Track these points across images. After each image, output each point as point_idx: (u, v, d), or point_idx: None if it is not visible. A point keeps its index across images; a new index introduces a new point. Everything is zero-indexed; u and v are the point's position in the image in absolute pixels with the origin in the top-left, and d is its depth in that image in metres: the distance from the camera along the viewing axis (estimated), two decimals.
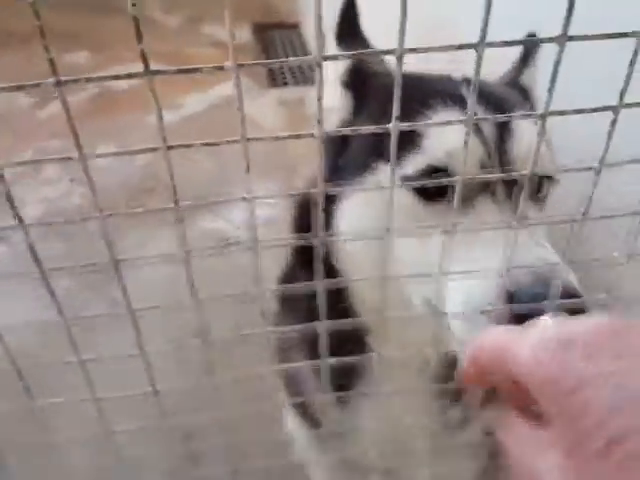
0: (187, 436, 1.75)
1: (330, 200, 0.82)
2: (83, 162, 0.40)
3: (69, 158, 0.40)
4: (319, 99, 0.40)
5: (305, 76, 3.98)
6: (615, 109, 0.44)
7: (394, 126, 0.42)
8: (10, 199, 0.40)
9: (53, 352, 2.07)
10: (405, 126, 0.42)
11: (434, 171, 0.75)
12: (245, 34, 4.52)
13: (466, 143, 0.44)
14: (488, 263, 0.62)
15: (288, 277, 0.99)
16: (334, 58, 0.39)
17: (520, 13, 1.23)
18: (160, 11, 4.80)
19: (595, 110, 0.44)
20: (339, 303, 0.85)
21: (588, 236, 1.30)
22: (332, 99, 0.89)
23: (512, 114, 0.47)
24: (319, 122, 0.41)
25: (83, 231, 2.55)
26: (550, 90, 0.42)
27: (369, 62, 0.87)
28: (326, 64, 0.99)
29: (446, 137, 0.74)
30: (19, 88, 0.37)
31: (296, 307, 0.94)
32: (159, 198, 2.73)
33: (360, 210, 0.80)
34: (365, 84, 0.88)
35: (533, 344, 0.44)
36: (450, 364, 0.75)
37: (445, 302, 0.67)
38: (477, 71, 0.40)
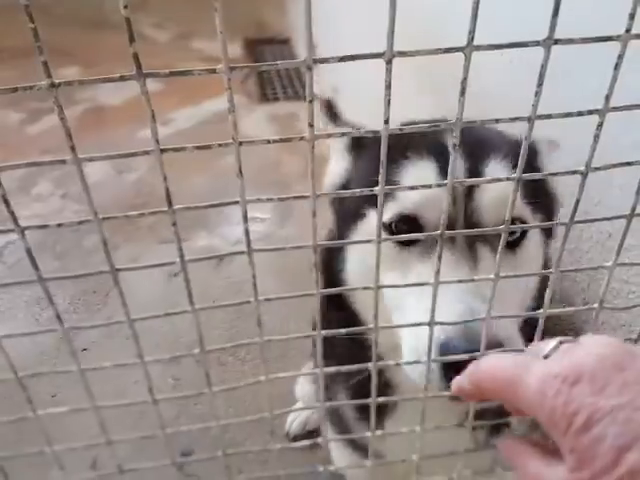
0: (184, 455, 1.74)
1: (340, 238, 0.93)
2: (78, 165, 0.40)
3: (63, 161, 0.40)
4: (310, 101, 0.40)
5: (296, 91, 3.99)
6: (601, 112, 0.44)
7: (384, 129, 0.42)
8: (7, 202, 0.40)
9: (49, 367, 2.03)
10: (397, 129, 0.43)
11: (406, 218, 0.81)
12: (236, 49, 4.54)
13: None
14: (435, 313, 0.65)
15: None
16: (324, 61, 0.39)
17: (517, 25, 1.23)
18: (151, 27, 4.83)
19: (581, 114, 0.44)
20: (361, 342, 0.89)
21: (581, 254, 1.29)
22: (337, 164, 1.01)
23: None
24: (310, 125, 0.41)
25: (76, 249, 2.55)
26: (537, 93, 0.43)
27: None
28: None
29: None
30: (14, 90, 0.37)
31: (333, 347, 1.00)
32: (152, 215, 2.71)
33: (357, 252, 0.89)
34: (360, 145, 0.98)
35: (540, 378, 0.44)
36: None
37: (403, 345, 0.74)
38: (465, 75, 0.41)
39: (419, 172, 0.81)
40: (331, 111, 1.01)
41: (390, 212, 0.81)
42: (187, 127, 3.59)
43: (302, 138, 0.41)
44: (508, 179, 0.52)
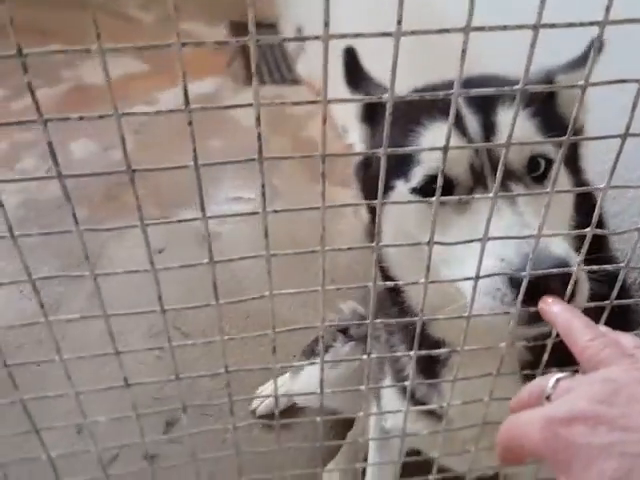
0: (169, 423, 1.79)
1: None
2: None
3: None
4: None
5: (283, 76, 4.02)
6: (601, 24, 0.48)
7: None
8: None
9: (33, 338, 2.05)
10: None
11: (434, 179, 0.81)
12: (222, 32, 4.55)
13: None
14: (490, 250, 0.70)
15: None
16: None
17: None
18: (136, 8, 4.82)
19: (583, 24, 0.48)
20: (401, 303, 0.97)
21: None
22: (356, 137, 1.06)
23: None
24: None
25: (60, 224, 2.54)
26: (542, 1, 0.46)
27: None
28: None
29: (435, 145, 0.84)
30: None
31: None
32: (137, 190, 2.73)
33: (392, 223, 0.93)
34: (376, 114, 1.01)
35: (542, 427, 0.50)
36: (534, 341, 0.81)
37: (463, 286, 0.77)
38: None
39: (436, 133, 0.85)
40: (352, 70, 1.04)
41: (418, 177, 0.86)
42: (173, 107, 3.61)
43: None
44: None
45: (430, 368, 0.99)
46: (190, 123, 0.49)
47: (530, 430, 0.51)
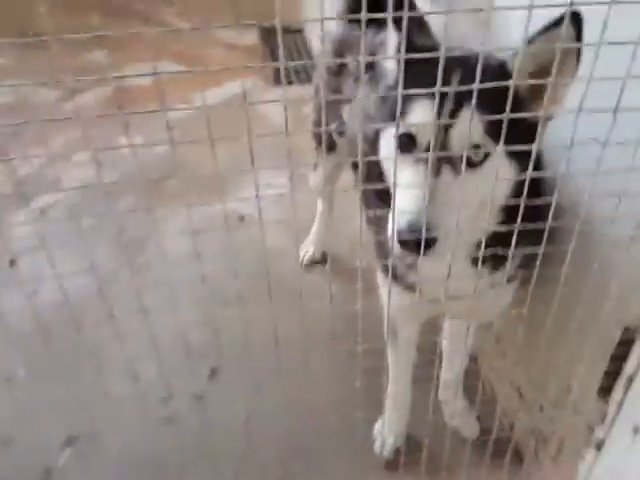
0: (213, 371, 2.05)
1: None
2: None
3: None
4: None
5: (308, 76, 4.30)
6: None
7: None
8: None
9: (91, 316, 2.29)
10: None
11: (408, 135, 1.18)
12: (253, 37, 4.86)
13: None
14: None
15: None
16: None
17: None
18: (174, 16, 5.18)
19: None
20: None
21: None
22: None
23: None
24: None
25: (112, 211, 2.84)
26: None
27: (418, 38, 1.18)
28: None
29: (415, 115, 1.17)
30: None
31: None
32: (178, 182, 2.98)
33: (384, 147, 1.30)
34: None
35: None
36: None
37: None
38: None
39: (421, 109, 1.15)
40: None
41: (400, 129, 1.17)
42: (210, 106, 3.86)
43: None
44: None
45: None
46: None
47: None
